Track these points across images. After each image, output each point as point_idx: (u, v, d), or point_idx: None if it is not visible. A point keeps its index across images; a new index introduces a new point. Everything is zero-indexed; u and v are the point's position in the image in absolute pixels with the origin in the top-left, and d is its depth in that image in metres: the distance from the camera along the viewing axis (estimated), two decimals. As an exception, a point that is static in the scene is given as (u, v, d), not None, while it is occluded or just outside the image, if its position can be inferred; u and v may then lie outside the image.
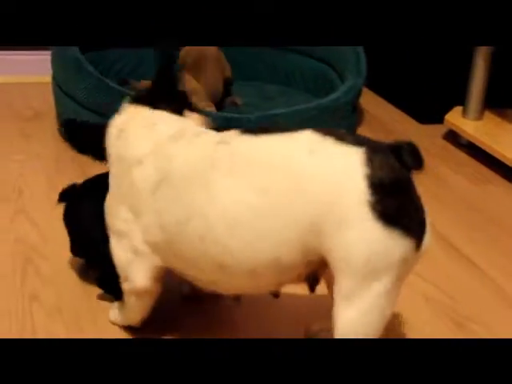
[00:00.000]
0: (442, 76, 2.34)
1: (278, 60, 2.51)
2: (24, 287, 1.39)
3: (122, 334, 1.28)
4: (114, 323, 1.30)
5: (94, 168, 1.87)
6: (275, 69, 2.53)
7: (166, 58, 1.37)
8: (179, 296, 1.37)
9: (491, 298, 1.47)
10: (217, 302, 1.35)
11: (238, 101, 2.26)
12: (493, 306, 1.45)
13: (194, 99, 1.88)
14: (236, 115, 2.00)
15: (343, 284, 0.99)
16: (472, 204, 1.87)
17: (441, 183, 1.97)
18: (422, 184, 1.94)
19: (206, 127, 1.21)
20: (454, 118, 2.20)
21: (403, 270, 1.00)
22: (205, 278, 1.12)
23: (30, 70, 2.50)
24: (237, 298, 1.28)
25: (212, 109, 2.06)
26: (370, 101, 2.50)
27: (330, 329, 1.04)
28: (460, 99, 2.21)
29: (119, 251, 1.17)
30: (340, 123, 2.12)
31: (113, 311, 1.31)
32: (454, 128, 2.20)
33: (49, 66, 2.12)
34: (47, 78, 2.17)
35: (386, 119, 2.40)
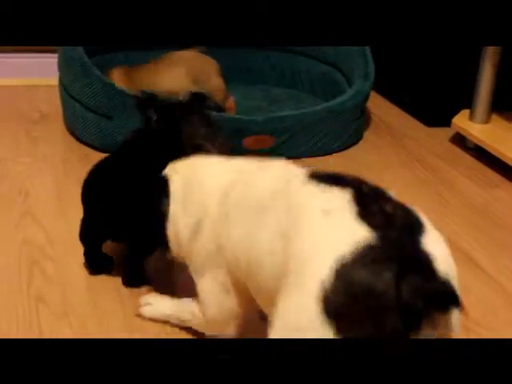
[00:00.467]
0: (449, 79, 2.33)
1: (286, 63, 2.51)
2: (30, 289, 1.39)
3: (131, 337, 1.28)
4: (151, 319, 1.31)
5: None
6: (282, 72, 2.53)
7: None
8: None
9: (499, 303, 1.47)
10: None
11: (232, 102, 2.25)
12: (500, 310, 1.44)
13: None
14: (244, 117, 2.00)
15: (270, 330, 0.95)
16: (479, 207, 1.86)
17: (448, 186, 1.96)
18: (429, 187, 1.97)
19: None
20: (461, 121, 2.20)
21: None
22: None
23: (37, 73, 2.50)
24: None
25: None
26: (377, 104, 2.49)
27: None
28: (467, 102, 2.20)
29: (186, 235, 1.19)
30: (347, 126, 2.12)
31: (147, 307, 1.32)
32: (461, 131, 2.19)
33: (56, 68, 2.12)
34: (54, 80, 2.18)
35: (394, 122, 2.39)
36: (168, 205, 1.22)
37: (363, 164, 2.07)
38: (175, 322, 1.30)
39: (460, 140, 2.23)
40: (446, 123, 2.24)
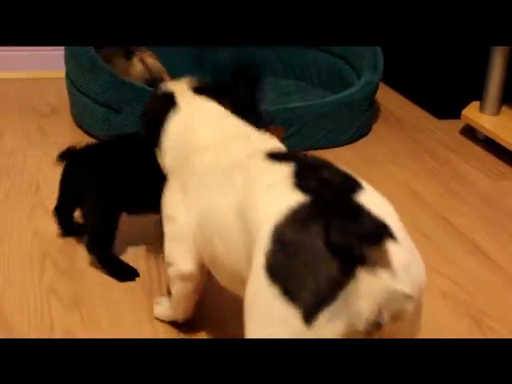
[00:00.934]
0: (459, 71, 2.32)
1: (294, 55, 2.51)
2: (42, 281, 1.40)
3: (141, 330, 1.28)
4: (158, 319, 1.31)
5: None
6: (291, 64, 2.52)
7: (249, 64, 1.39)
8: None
9: (510, 295, 1.46)
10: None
11: None
12: (511, 302, 1.44)
13: None
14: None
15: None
16: (490, 199, 1.85)
17: (458, 178, 1.96)
18: (439, 179, 1.96)
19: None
20: (471, 112, 2.19)
21: (284, 332, 0.90)
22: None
23: (46, 66, 2.51)
24: None
25: None
26: (386, 96, 2.49)
27: None
28: (477, 94, 2.19)
29: (167, 235, 1.22)
30: (356, 118, 2.12)
31: (157, 307, 1.32)
32: (471, 123, 2.18)
33: (65, 61, 2.13)
34: (63, 73, 2.18)
35: (403, 114, 2.38)
36: None
37: (372, 156, 2.06)
38: (180, 310, 1.28)
39: (470, 132, 2.23)
40: (456, 115, 2.23)
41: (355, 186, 0.96)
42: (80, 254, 1.48)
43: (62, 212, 1.53)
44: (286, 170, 0.99)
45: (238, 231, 1.03)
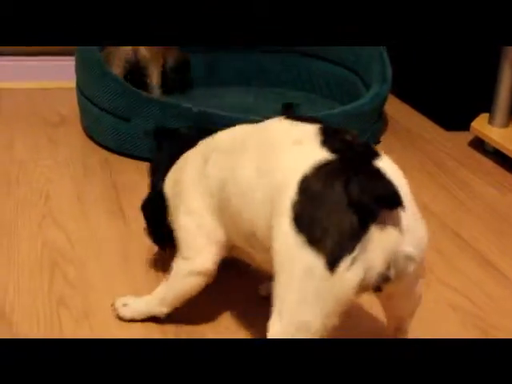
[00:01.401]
0: (468, 82, 2.32)
1: (303, 66, 2.51)
2: (51, 291, 1.40)
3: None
4: (130, 319, 1.30)
5: (121, 173, 1.90)
6: (299, 75, 2.53)
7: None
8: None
9: (519, 307, 1.46)
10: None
11: None
12: (520, 315, 1.44)
13: None
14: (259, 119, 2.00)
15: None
16: (499, 212, 1.85)
17: (467, 190, 1.96)
18: (448, 191, 1.96)
19: None
20: (481, 125, 2.19)
21: (309, 283, 0.97)
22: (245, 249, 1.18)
23: (56, 76, 2.52)
24: None
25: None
26: (395, 107, 2.49)
27: None
28: (486, 106, 2.19)
29: (183, 228, 1.22)
30: (364, 130, 2.12)
31: (123, 309, 1.31)
32: (480, 135, 2.18)
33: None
34: (73, 83, 2.19)
35: (412, 126, 2.39)
36: None
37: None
38: (155, 310, 1.29)
39: (479, 144, 2.23)
40: (465, 127, 2.23)
41: (375, 153, 1.05)
42: (90, 264, 1.49)
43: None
44: (310, 129, 1.07)
45: (255, 188, 1.07)
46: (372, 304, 1.31)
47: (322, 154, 1.01)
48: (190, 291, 1.24)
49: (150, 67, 2.25)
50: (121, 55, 2.18)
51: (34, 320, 1.32)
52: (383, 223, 0.97)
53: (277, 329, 1.01)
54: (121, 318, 1.31)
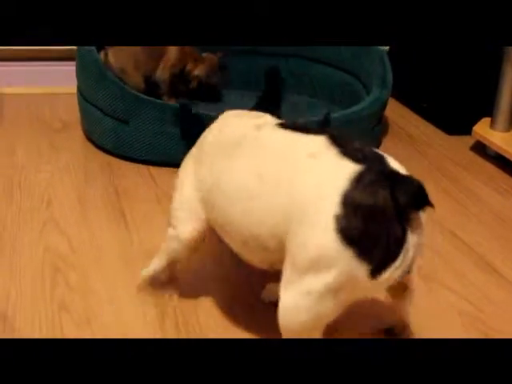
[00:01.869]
0: (470, 87, 2.32)
1: (303, 70, 2.51)
2: (53, 297, 1.40)
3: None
4: (144, 280, 1.41)
5: (122, 177, 1.90)
6: (300, 79, 2.53)
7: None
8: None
9: (522, 312, 1.46)
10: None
11: None
12: (523, 319, 1.44)
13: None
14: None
15: (285, 272, 1.08)
16: (501, 217, 1.85)
17: (469, 195, 1.96)
18: (450, 196, 1.96)
19: None
20: (482, 129, 2.19)
21: (349, 288, 1.03)
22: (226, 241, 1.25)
23: (57, 81, 2.52)
24: None
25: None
26: (396, 112, 2.49)
27: None
28: (488, 110, 2.19)
29: (174, 201, 1.32)
30: (364, 135, 2.12)
31: (144, 270, 1.41)
32: (481, 139, 2.18)
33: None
34: (74, 88, 2.19)
35: (413, 130, 2.39)
36: None
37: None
38: (162, 263, 1.38)
39: (481, 148, 2.23)
40: (467, 131, 2.23)
41: (382, 156, 1.09)
42: (91, 270, 1.49)
43: None
44: (321, 140, 1.08)
45: (257, 195, 1.10)
46: (372, 303, 1.31)
47: (349, 166, 1.03)
48: (174, 254, 1.35)
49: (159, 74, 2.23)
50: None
51: (36, 324, 1.31)
52: (413, 225, 1.03)
53: (300, 318, 1.06)
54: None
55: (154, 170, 1.96)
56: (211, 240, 1.42)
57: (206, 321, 1.36)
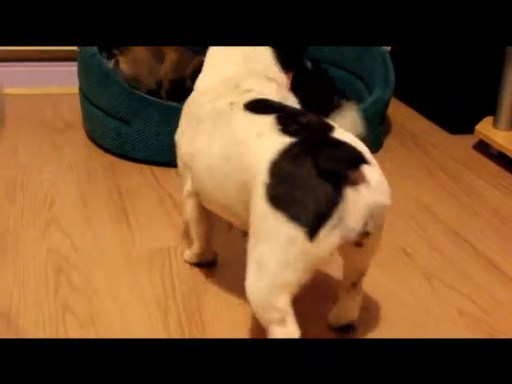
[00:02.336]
0: (473, 85, 2.32)
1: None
2: (57, 297, 1.40)
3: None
4: (188, 262, 1.52)
5: (125, 178, 1.90)
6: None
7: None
8: None
9: (525, 311, 1.46)
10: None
11: None
12: (527, 318, 1.43)
13: None
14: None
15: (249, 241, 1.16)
16: (504, 215, 1.85)
17: (471, 194, 1.95)
18: (453, 195, 1.96)
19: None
20: (485, 128, 2.19)
21: (290, 251, 1.08)
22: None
23: (59, 81, 2.52)
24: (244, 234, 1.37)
25: None
26: (399, 111, 2.49)
27: None
28: (491, 109, 2.19)
29: (178, 156, 1.42)
30: (367, 134, 2.11)
31: (186, 252, 1.52)
32: (484, 138, 2.18)
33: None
34: (77, 89, 2.20)
35: (416, 129, 2.38)
36: None
37: (384, 171, 2.04)
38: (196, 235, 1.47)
39: (484, 147, 2.22)
40: (470, 130, 2.23)
41: (329, 126, 1.17)
42: (95, 270, 1.49)
43: None
44: (269, 120, 1.18)
45: (227, 173, 1.22)
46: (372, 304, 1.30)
47: (283, 140, 1.13)
48: (193, 209, 1.42)
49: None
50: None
51: (39, 325, 1.32)
52: (356, 184, 1.08)
53: (259, 286, 1.12)
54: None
55: (156, 170, 1.96)
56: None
57: (211, 321, 1.36)
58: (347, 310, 1.32)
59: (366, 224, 1.10)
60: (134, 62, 2.16)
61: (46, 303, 1.38)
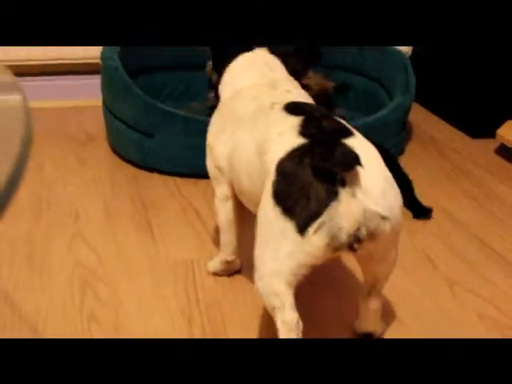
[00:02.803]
0: (493, 89, 2.32)
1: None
2: (83, 309, 1.42)
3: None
4: (213, 273, 1.54)
5: (149, 189, 1.92)
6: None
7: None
8: None
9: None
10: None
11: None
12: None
13: None
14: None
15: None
16: (526, 219, 1.84)
17: (493, 198, 1.95)
18: (475, 200, 1.95)
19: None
20: (506, 132, 2.18)
21: (282, 243, 1.14)
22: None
23: (83, 95, 2.56)
24: None
25: None
26: (420, 116, 2.49)
27: None
28: (511, 113, 2.19)
29: (208, 162, 1.46)
30: (388, 141, 2.12)
31: (210, 263, 1.55)
32: (506, 142, 2.17)
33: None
34: (99, 101, 2.22)
35: (437, 135, 2.38)
36: None
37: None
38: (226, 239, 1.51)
39: (505, 151, 2.22)
40: (491, 134, 2.23)
41: (346, 132, 1.18)
42: (120, 282, 1.51)
43: None
44: (294, 121, 1.22)
45: (257, 168, 1.26)
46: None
47: (297, 141, 1.17)
48: (228, 212, 1.47)
49: None
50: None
51: (66, 336, 1.34)
52: (352, 187, 1.10)
53: (260, 275, 1.18)
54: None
55: (179, 181, 1.98)
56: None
57: (235, 332, 1.37)
58: (366, 320, 1.32)
59: (358, 229, 1.11)
60: None
61: (72, 315, 1.40)
